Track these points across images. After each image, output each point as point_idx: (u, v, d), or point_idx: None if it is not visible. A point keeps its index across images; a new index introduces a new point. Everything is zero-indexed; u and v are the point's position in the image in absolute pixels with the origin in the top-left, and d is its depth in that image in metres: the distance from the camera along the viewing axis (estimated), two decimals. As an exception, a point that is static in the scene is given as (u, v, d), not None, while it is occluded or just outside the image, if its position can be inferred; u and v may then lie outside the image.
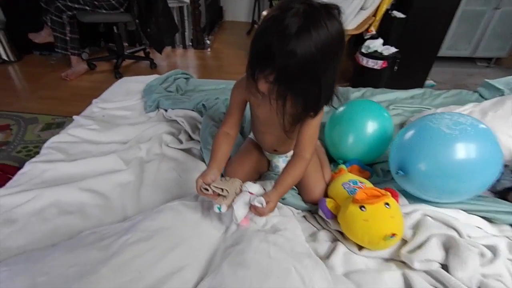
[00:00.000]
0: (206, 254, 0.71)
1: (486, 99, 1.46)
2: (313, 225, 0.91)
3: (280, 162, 1.04)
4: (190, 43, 3.33)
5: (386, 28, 2.37)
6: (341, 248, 0.80)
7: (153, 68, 2.79)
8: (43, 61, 2.78)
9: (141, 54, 2.93)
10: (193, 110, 1.29)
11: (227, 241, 0.74)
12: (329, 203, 0.87)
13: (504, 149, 0.91)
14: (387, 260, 0.79)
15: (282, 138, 0.93)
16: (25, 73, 2.61)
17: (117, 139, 1.13)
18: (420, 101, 1.53)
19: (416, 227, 0.81)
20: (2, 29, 2.56)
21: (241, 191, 0.79)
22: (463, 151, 0.79)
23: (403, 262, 0.76)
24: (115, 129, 1.17)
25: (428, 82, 2.61)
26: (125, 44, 3.09)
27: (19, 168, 0.99)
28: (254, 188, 0.80)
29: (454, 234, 0.77)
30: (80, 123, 1.18)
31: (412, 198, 0.91)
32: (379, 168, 1.04)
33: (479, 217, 0.87)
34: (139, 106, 1.36)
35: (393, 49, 2.22)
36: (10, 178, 0.95)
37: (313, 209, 0.94)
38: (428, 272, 0.73)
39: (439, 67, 2.79)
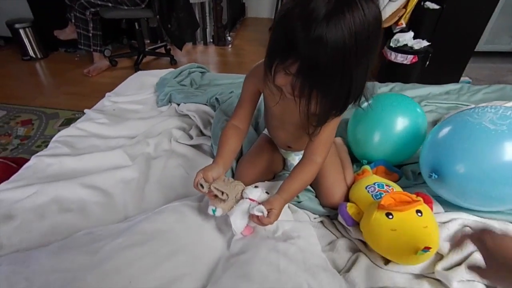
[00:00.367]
0: (208, 263, 0.63)
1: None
2: (331, 232, 0.81)
3: (296, 160, 0.95)
4: (211, 40, 3.30)
5: (418, 21, 2.20)
6: (364, 261, 0.70)
7: (173, 64, 2.78)
8: (68, 58, 2.85)
9: (162, 50, 2.93)
10: (206, 104, 1.22)
11: (232, 249, 0.66)
12: (350, 208, 0.77)
13: None
14: (418, 276, 0.67)
15: (297, 134, 0.83)
16: (50, 70, 2.69)
17: (126, 134, 1.08)
18: (457, 97, 1.38)
19: (454, 240, 0.69)
20: (30, 26, 2.64)
21: (241, 197, 0.71)
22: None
23: (438, 280, 0.65)
24: (124, 123, 1.12)
25: (464, 79, 2.39)
26: (147, 41, 3.12)
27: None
28: (255, 193, 0.71)
29: (503, 250, 0.65)
30: (90, 117, 1.15)
31: (449, 205, 0.78)
32: (409, 170, 0.92)
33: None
34: (151, 100, 1.31)
35: (425, 43, 2.05)
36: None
37: (332, 215, 0.84)
38: (469, 295, 0.62)
39: (476, 63, 2.56)
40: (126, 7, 2.39)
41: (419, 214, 0.65)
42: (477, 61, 2.58)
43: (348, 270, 0.68)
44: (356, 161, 1.02)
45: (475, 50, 2.26)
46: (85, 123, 1.10)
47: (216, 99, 1.22)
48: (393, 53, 2.07)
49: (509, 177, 0.67)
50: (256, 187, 0.75)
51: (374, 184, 0.80)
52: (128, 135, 1.07)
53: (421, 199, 0.68)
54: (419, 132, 0.92)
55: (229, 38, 3.31)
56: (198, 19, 2.91)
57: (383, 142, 0.93)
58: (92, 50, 2.53)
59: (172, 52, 2.90)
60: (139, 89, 1.39)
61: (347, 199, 0.85)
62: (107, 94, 1.33)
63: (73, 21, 2.43)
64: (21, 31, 2.61)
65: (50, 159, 0.93)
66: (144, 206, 0.82)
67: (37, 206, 0.79)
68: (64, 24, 2.56)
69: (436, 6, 2.12)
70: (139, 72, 1.57)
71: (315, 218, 0.84)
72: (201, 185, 0.67)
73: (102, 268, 0.54)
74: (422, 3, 2.17)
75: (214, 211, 0.67)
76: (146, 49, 2.75)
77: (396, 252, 0.65)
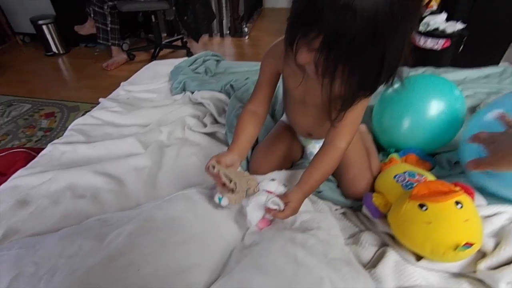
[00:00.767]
0: (220, 253, 0.59)
1: None
2: (355, 224, 0.74)
3: (317, 148, 0.88)
4: (228, 31, 3.25)
5: (451, 1, 1.99)
6: (392, 256, 0.62)
7: (189, 56, 2.75)
8: (88, 53, 2.91)
9: (179, 43, 2.92)
10: (220, 92, 1.18)
11: (246, 240, 0.62)
12: (376, 199, 0.70)
13: None
14: (457, 275, 0.60)
15: (319, 120, 0.76)
16: (71, 64, 2.75)
17: (139, 122, 1.06)
18: (498, 81, 1.24)
19: (500, 236, 0.60)
20: (52, 22, 2.70)
21: (255, 191, 0.66)
22: None
23: (480, 281, 0.57)
24: (137, 111, 1.10)
25: (503, 64, 2.17)
26: (164, 34, 3.12)
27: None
28: (272, 185, 0.67)
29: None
30: (104, 106, 1.14)
31: (493, 198, 0.69)
32: (444, 159, 0.83)
33: None
34: (166, 88, 1.29)
35: (459, 25, 1.85)
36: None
37: (355, 206, 0.77)
38: (519, 298, 0.53)
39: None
40: (142, 0, 2.38)
41: (459, 205, 0.57)
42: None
43: (374, 265, 0.61)
44: (382, 149, 0.94)
45: (517, 33, 2.03)
46: (99, 112, 1.09)
47: (231, 86, 1.18)
48: (422, 37, 1.89)
49: None
50: (273, 180, 0.70)
51: (405, 173, 0.72)
52: (141, 124, 1.06)
53: (461, 189, 0.60)
54: (456, 117, 0.82)
55: (245, 29, 3.25)
56: (214, 11, 2.88)
57: (414, 128, 0.84)
58: (110, 44, 2.55)
59: (189, 44, 2.88)
60: (153, 78, 1.37)
61: (372, 189, 0.78)
62: (122, 83, 1.32)
63: (92, 15, 2.46)
64: (44, 28, 2.68)
65: (64, 146, 0.94)
66: (156, 194, 0.80)
67: (51, 192, 0.79)
68: (84, 20, 2.60)
69: None
70: (154, 62, 1.55)
71: (336, 210, 0.78)
72: (213, 167, 0.63)
73: (109, 254, 0.52)
74: (457, -19, 1.99)
75: (220, 199, 0.63)
76: (163, 42, 2.75)
77: (431, 248, 0.57)
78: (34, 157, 0.97)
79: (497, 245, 0.58)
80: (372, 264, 0.63)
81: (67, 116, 1.98)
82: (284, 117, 0.94)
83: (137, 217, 0.61)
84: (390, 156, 0.84)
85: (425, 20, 1.92)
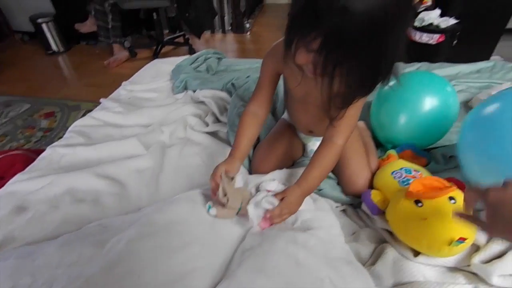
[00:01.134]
0: (223, 256, 0.60)
1: None
2: (354, 221, 0.76)
3: (317, 145, 0.88)
4: (230, 27, 3.25)
5: None
6: (391, 253, 0.64)
7: (191, 53, 2.71)
8: (89, 51, 2.90)
9: (181, 40, 2.91)
10: (222, 90, 1.19)
11: (248, 241, 0.62)
12: (375, 196, 0.71)
13: None
14: (453, 270, 0.62)
15: (320, 117, 0.78)
16: (72, 63, 2.74)
17: (141, 122, 1.06)
18: (489, 75, 1.27)
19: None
20: (52, 21, 2.69)
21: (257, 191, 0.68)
22: None
23: (475, 274, 0.59)
24: (139, 111, 1.10)
25: (494, 58, 2.20)
26: (166, 31, 3.11)
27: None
28: (272, 185, 0.68)
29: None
30: (105, 106, 1.14)
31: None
32: (439, 154, 0.85)
33: None
34: (167, 87, 1.29)
35: (452, 21, 1.93)
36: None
37: (355, 203, 0.79)
38: (511, 291, 0.55)
39: (509, 41, 2.35)
40: (143, -3, 2.38)
41: (453, 201, 0.59)
42: (509, 38, 2.37)
43: (374, 262, 0.63)
44: (380, 145, 0.95)
45: (507, 27, 2.09)
46: (100, 113, 1.09)
47: (232, 84, 1.19)
48: (417, 32, 1.96)
49: None
50: (273, 180, 0.72)
51: (401, 169, 0.74)
52: (143, 124, 1.06)
53: (454, 185, 0.62)
54: (450, 113, 0.84)
55: (247, 25, 3.24)
56: (216, 7, 2.87)
57: (409, 124, 0.86)
58: (112, 41, 2.55)
59: (191, 41, 2.87)
60: (154, 77, 1.38)
61: (371, 186, 0.79)
62: (123, 83, 1.33)
63: (93, 13, 2.46)
64: (44, 26, 2.68)
65: (64, 149, 0.92)
66: (159, 197, 0.79)
67: (50, 197, 0.77)
68: (85, 18, 2.60)
69: None
70: (155, 60, 1.56)
71: (337, 207, 0.79)
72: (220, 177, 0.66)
73: (109, 262, 0.52)
74: (449, -21, 2.02)
75: (209, 207, 0.65)
76: (165, 39, 2.74)
77: (427, 243, 0.59)
78: (32, 159, 0.95)
79: (490, 239, 0.60)
80: (371, 261, 0.64)
81: (68, 115, 1.97)
82: (285, 115, 0.96)
83: (138, 221, 0.61)
84: (387, 152, 0.86)
85: (420, 16, 1.99)
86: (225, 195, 0.63)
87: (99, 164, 0.86)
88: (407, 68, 1.34)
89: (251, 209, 0.64)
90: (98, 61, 2.64)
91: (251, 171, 0.89)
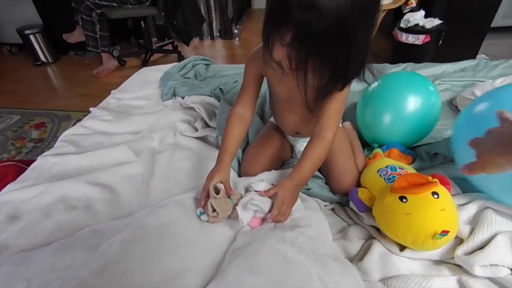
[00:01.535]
0: (213, 256, 0.61)
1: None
2: (343, 219, 0.77)
3: (304, 146, 0.91)
4: (218, 34, 3.28)
5: None
6: (378, 248, 0.66)
7: (180, 60, 2.75)
8: (78, 61, 2.90)
9: (170, 47, 2.93)
10: (210, 96, 1.20)
11: (238, 240, 0.64)
12: (361, 194, 0.73)
13: None
14: (438, 263, 0.63)
15: (305, 117, 0.80)
16: (61, 73, 2.74)
17: (130, 130, 1.07)
18: (473, 74, 1.31)
19: (474, 223, 0.64)
20: (40, 32, 2.69)
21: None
22: None
23: (459, 266, 0.61)
24: (129, 119, 1.11)
25: (480, 57, 2.27)
26: (154, 39, 3.12)
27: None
28: (260, 186, 0.70)
29: (530, 232, 0.60)
30: (95, 115, 1.15)
31: (468, 187, 0.73)
32: (423, 152, 0.87)
33: None
34: (156, 95, 1.30)
35: (437, 21, 1.99)
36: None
37: (343, 201, 0.80)
38: (493, 280, 0.57)
39: (493, 39, 2.43)
40: (130, 6, 2.39)
41: (436, 196, 0.60)
42: (494, 37, 2.45)
43: (361, 258, 0.64)
44: (367, 145, 0.97)
45: (492, 26, 2.14)
46: (90, 121, 1.10)
47: (220, 89, 1.20)
48: (404, 34, 2.02)
49: None
50: (262, 180, 0.73)
51: (387, 167, 0.76)
52: (133, 131, 1.07)
53: (437, 180, 0.64)
54: (433, 111, 0.87)
55: (235, 31, 3.27)
56: (203, 14, 2.89)
57: (394, 123, 0.88)
58: (100, 51, 2.55)
59: (180, 48, 2.89)
60: (143, 84, 1.39)
61: (358, 184, 0.81)
62: (112, 91, 1.33)
63: (80, 23, 2.46)
64: (32, 37, 2.67)
65: (55, 158, 0.93)
66: (150, 201, 0.80)
67: (42, 205, 0.78)
68: (72, 28, 2.59)
69: None
70: (144, 68, 1.57)
71: (325, 206, 0.81)
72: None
73: (102, 264, 0.53)
74: (432, -19, 2.08)
75: (200, 213, 0.67)
76: (154, 47, 2.76)
77: (412, 238, 0.61)
78: (24, 170, 0.95)
79: (472, 231, 0.62)
80: (359, 257, 0.66)
81: (58, 125, 1.97)
82: (272, 118, 0.97)
83: (129, 225, 0.63)
84: (374, 151, 0.88)
85: (405, 17, 2.04)
86: (214, 210, 0.65)
87: (91, 171, 0.87)
88: (392, 69, 1.38)
89: (239, 210, 0.65)
90: (87, 71, 2.64)
91: (240, 174, 0.90)
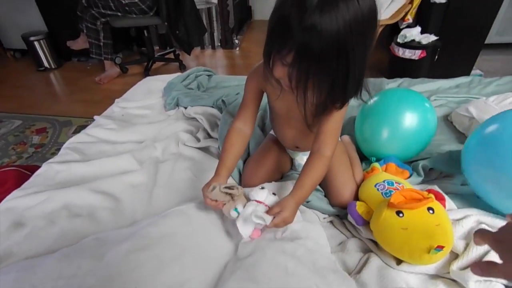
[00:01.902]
0: (215, 267, 0.62)
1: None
2: (341, 232, 0.79)
3: (304, 159, 0.92)
4: (219, 43, 3.33)
5: (425, 15, 2.20)
6: (375, 261, 0.67)
7: (182, 69, 2.81)
8: (80, 67, 2.93)
9: (171, 56, 2.97)
10: (212, 107, 1.23)
11: (240, 251, 0.65)
12: (359, 207, 0.75)
13: None
14: (434, 277, 0.65)
15: (304, 132, 0.82)
16: (63, 79, 2.76)
17: (134, 139, 1.09)
18: (467, 90, 1.35)
19: (469, 238, 0.66)
20: (44, 38, 2.72)
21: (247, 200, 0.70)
22: None
23: (454, 281, 0.62)
24: (132, 128, 1.13)
25: (475, 72, 2.34)
26: (156, 47, 3.17)
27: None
28: (261, 194, 0.70)
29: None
30: (99, 123, 1.17)
31: (463, 203, 0.75)
32: (419, 166, 0.89)
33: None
34: (159, 104, 1.32)
35: (432, 37, 2.06)
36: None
37: (341, 214, 0.82)
38: (487, 295, 0.59)
39: (488, 55, 2.49)
40: (134, 16, 2.43)
41: (431, 211, 0.63)
42: (488, 53, 2.51)
43: (359, 271, 0.66)
44: (365, 159, 1.00)
45: (486, 42, 2.21)
46: (94, 129, 1.11)
47: (223, 101, 1.23)
48: (400, 48, 2.07)
49: None
50: (262, 188, 0.73)
51: (384, 181, 0.78)
52: (136, 140, 1.08)
53: (433, 196, 0.66)
54: (428, 127, 0.90)
55: (236, 41, 3.33)
56: (205, 24, 2.94)
57: (391, 138, 0.91)
58: (103, 58, 2.58)
59: (181, 57, 2.93)
60: (147, 94, 1.41)
61: (356, 197, 0.83)
62: (116, 100, 1.35)
63: (85, 31, 2.49)
64: (36, 43, 2.70)
65: (59, 166, 0.94)
66: (152, 210, 0.81)
67: (47, 213, 0.79)
68: (76, 35, 2.63)
69: (442, 0, 2.09)
70: (147, 78, 1.59)
71: (324, 218, 0.82)
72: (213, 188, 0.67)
73: (107, 273, 0.54)
74: (428, -2, 2.15)
75: (236, 210, 0.66)
76: (156, 55, 2.80)
77: (408, 252, 0.63)
78: (25, 175, 0.96)
79: (467, 246, 0.64)
80: (357, 270, 0.67)
81: (59, 131, 1.98)
82: (272, 131, 1.00)
83: (133, 235, 0.64)
84: (372, 165, 0.90)
85: (402, 33, 2.10)
86: (232, 188, 0.66)
87: (94, 179, 0.88)
88: (390, 84, 1.41)
89: (240, 224, 0.65)
90: (89, 77, 2.67)
91: (241, 185, 0.92)
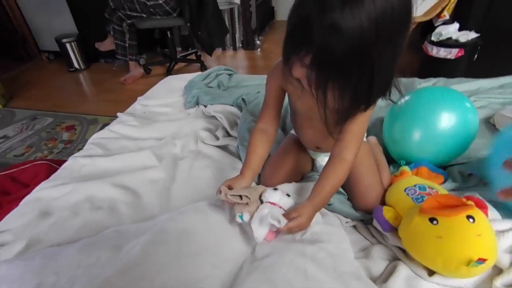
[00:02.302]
0: (231, 265, 0.60)
1: None
2: (365, 237, 0.74)
3: (325, 161, 0.87)
4: (240, 44, 3.33)
5: (464, 11, 2.00)
6: (403, 271, 0.62)
7: (203, 70, 2.81)
8: (107, 68, 3.04)
9: (193, 57, 3.01)
10: (232, 105, 1.21)
11: (257, 252, 0.62)
12: (387, 213, 0.69)
13: None
14: (471, 292, 0.58)
15: (325, 133, 0.77)
16: (91, 79, 2.88)
17: (154, 136, 1.10)
18: (513, 91, 1.22)
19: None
20: (75, 41, 2.84)
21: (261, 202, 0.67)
22: None
23: (495, 298, 0.56)
24: (153, 125, 1.14)
25: None
26: (179, 48, 3.22)
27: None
28: (275, 196, 0.66)
29: None
30: (121, 120, 1.19)
31: (508, 212, 0.67)
32: (456, 171, 0.82)
33: None
34: (180, 102, 1.33)
35: (473, 34, 1.86)
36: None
37: (366, 219, 0.77)
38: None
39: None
40: (159, 17, 2.49)
41: (471, 220, 0.56)
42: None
43: (385, 280, 0.61)
44: (393, 161, 0.93)
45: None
46: (117, 126, 1.14)
47: (243, 99, 1.20)
48: (434, 47, 1.91)
49: None
50: (275, 189, 0.70)
51: (415, 186, 0.72)
52: (156, 137, 1.09)
53: (473, 203, 0.59)
54: (468, 129, 0.82)
55: (258, 42, 3.31)
56: (227, 25, 2.96)
57: (425, 141, 0.83)
58: (128, 59, 2.66)
59: (203, 58, 2.96)
60: (168, 92, 1.42)
61: (383, 202, 0.77)
62: (139, 98, 1.37)
63: (111, 33, 2.58)
64: (68, 45, 2.83)
65: (84, 159, 0.98)
66: (170, 206, 0.82)
67: (71, 204, 0.82)
68: (104, 37, 2.73)
69: None
70: (169, 77, 1.61)
71: (347, 222, 0.77)
72: (220, 192, 0.65)
73: (125, 265, 0.54)
74: (468, -7, 1.99)
75: (241, 217, 0.64)
76: (178, 56, 2.84)
77: (443, 263, 0.56)
78: (55, 168, 1.02)
79: (512, 261, 0.57)
80: (383, 279, 0.62)
81: (87, 128, 2.07)
82: (293, 130, 0.96)
83: (152, 229, 0.63)
84: (401, 168, 0.84)
85: (437, 30, 1.94)
86: (241, 197, 0.64)
87: (116, 174, 0.91)
88: (422, 83, 1.32)
89: (255, 226, 0.63)
90: (115, 78, 2.76)
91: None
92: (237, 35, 3.28)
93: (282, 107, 0.79)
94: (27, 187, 1.04)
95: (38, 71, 3.05)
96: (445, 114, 0.81)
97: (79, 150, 1.07)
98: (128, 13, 2.44)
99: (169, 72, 2.69)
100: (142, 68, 2.77)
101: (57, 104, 2.41)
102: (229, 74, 1.56)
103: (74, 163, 0.98)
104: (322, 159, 0.90)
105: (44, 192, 0.86)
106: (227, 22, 3.01)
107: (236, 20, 3.19)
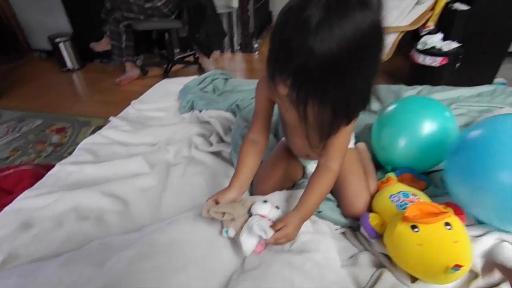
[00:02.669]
0: (220, 277, 0.60)
1: None
2: (354, 245, 0.76)
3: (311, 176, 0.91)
4: (238, 47, 3.35)
5: (447, 22, 2.15)
6: (388, 278, 0.64)
7: (201, 72, 2.84)
8: (102, 68, 3.01)
9: (191, 59, 3.00)
10: (227, 111, 1.22)
11: (246, 264, 0.63)
12: (373, 220, 0.72)
13: None
14: (450, 297, 0.61)
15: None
16: (86, 80, 2.84)
17: (147, 141, 1.09)
18: (490, 99, 1.29)
19: (490, 256, 0.62)
20: (69, 40, 2.82)
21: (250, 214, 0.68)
22: None
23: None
24: (146, 130, 1.14)
25: (498, 80, 2.24)
26: (177, 50, 3.21)
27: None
28: (264, 209, 0.68)
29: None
30: (114, 124, 1.18)
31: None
32: (438, 178, 0.85)
33: None
34: (174, 107, 1.33)
35: (454, 44, 2.01)
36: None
37: (354, 226, 0.79)
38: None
39: (511, 63, 2.39)
40: (156, 19, 2.49)
41: (448, 227, 0.59)
42: (512, 61, 2.41)
43: (371, 287, 0.63)
44: (380, 167, 0.96)
45: (510, 50, 2.15)
46: (109, 131, 1.12)
47: (237, 105, 1.22)
48: (421, 55, 2.04)
49: None
50: (265, 201, 0.71)
51: (399, 193, 0.74)
52: (149, 142, 1.08)
53: (451, 210, 0.62)
54: (448, 137, 0.85)
55: (255, 45, 3.33)
56: (225, 28, 2.97)
57: (409, 147, 0.87)
58: (124, 60, 2.64)
59: (200, 60, 2.95)
60: (163, 96, 1.42)
61: (370, 209, 0.80)
62: (132, 101, 1.37)
63: (108, 33, 2.57)
64: (61, 45, 2.80)
65: (72, 166, 0.95)
66: (161, 215, 0.81)
67: (56, 214, 0.78)
68: (100, 37, 2.71)
69: (465, 7, 2.06)
70: (165, 80, 1.61)
71: (336, 229, 0.79)
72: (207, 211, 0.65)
73: (108, 282, 0.53)
74: (449, 5, 2.12)
75: (226, 232, 0.65)
76: (175, 58, 2.84)
77: (424, 270, 0.59)
78: (41, 174, 0.97)
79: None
80: (369, 286, 0.64)
81: (78, 131, 2.01)
82: (284, 138, 0.98)
83: (138, 241, 0.63)
84: (387, 175, 0.87)
85: (422, 39, 2.09)
86: (223, 214, 0.64)
87: (105, 182, 0.88)
88: (408, 91, 1.37)
89: (243, 239, 0.63)
90: (110, 79, 2.73)
91: (251, 193, 0.90)
92: (235, 38, 3.30)
93: (271, 117, 0.81)
94: (10, 194, 0.99)
95: (29, 70, 2.98)
96: (427, 122, 0.85)
97: (69, 153, 1.03)
98: (125, 14, 2.43)
99: (166, 73, 2.69)
100: (139, 69, 2.76)
101: (48, 104, 2.35)
102: (225, 79, 1.57)
103: (61, 170, 0.94)
104: (312, 166, 0.92)
105: (26, 202, 0.82)
106: (225, 26, 3.03)
107: (234, 23, 3.21)
